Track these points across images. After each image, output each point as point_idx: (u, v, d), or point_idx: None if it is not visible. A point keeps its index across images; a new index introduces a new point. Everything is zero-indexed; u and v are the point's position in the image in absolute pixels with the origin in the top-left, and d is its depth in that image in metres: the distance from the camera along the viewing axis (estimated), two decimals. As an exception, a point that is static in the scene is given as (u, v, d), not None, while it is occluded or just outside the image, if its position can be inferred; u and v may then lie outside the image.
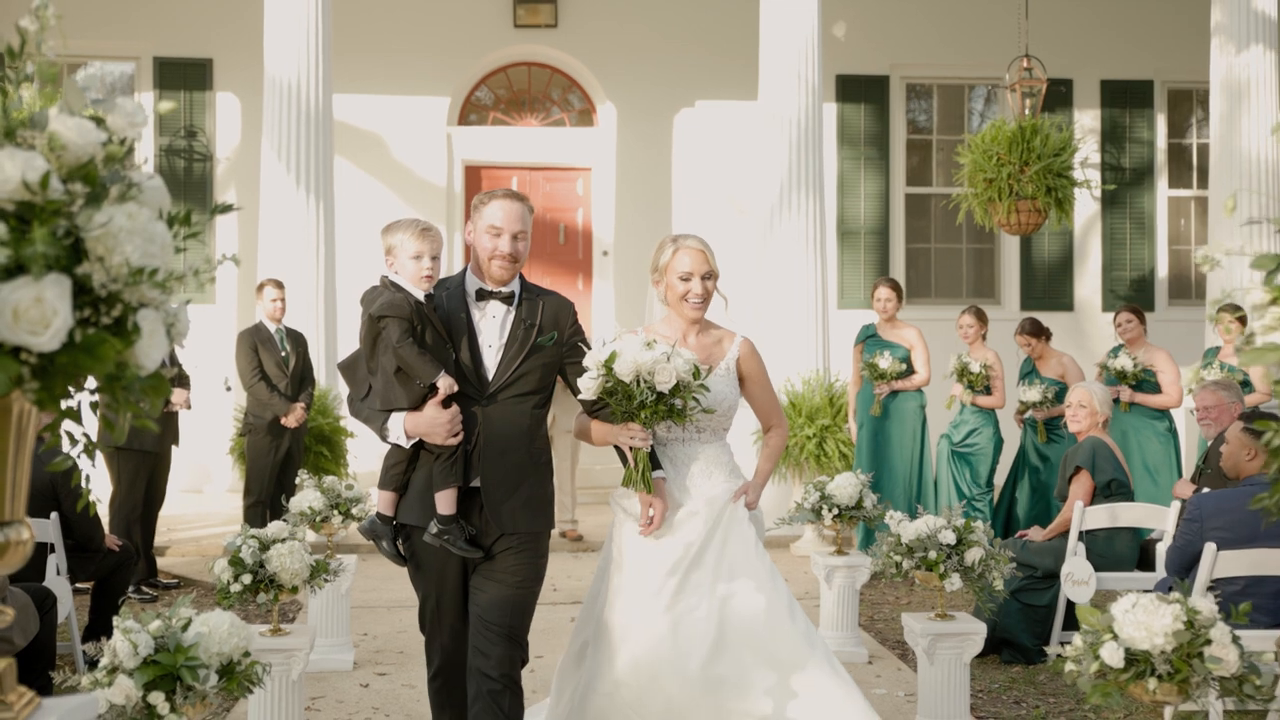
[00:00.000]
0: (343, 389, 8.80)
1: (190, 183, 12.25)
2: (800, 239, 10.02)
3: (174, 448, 7.85)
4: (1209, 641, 3.20)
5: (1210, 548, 4.94)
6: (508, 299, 3.97)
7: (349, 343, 8.79)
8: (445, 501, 3.86)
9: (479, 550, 3.88)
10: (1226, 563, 4.94)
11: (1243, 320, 7.81)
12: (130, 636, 2.99)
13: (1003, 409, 9.27)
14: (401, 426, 3.85)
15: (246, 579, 4.36)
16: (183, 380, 7.87)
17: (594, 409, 4.05)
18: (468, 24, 12.77)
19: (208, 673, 3.04)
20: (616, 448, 4.06)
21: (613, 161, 13.06)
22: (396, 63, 12.61)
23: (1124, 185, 13.34)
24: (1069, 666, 3.37)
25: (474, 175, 12.95)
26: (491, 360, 3.93)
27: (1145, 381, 8.61)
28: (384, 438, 3.92)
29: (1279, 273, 2.39)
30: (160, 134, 12.25)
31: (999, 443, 9.20)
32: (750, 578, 3.99)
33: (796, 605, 4.02)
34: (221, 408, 9.87)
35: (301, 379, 8.18)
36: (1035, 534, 6.61)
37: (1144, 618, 3.25)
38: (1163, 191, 13.62)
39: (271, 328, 8.22)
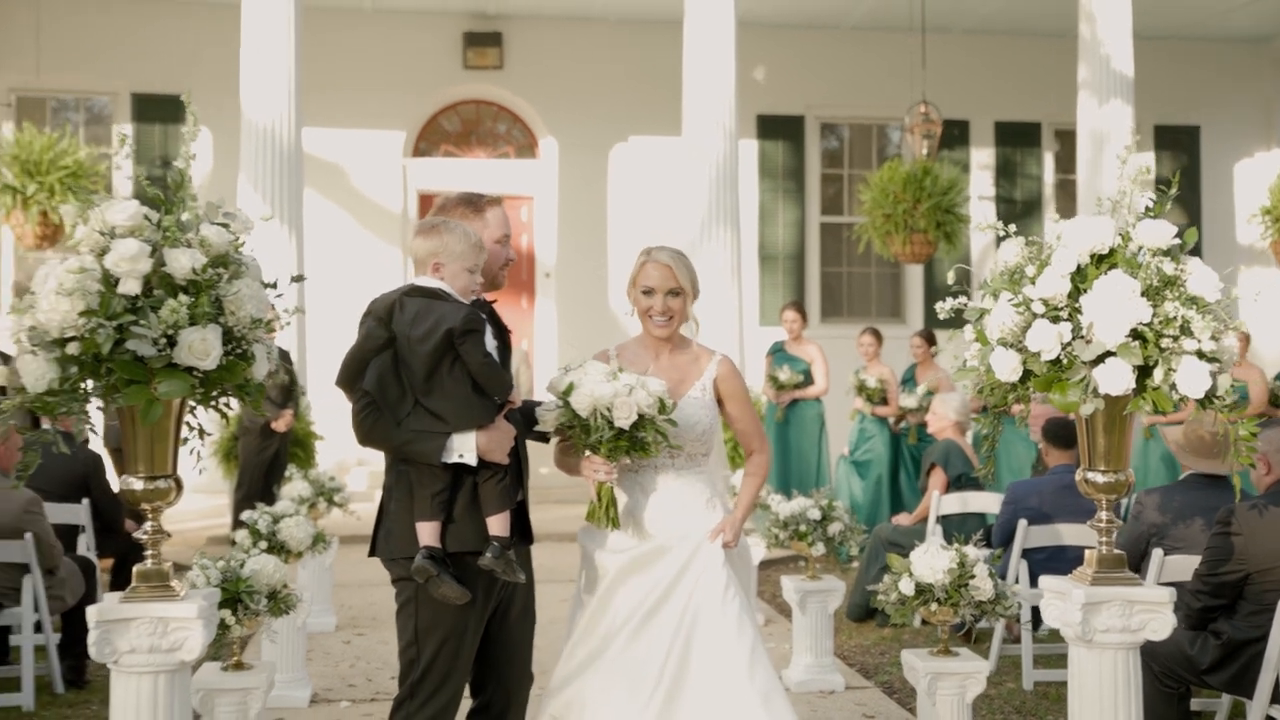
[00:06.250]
0: (322, 398, 9.96)
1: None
2: (720, 266, 11.27)
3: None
4: (973, 575, 4.51)
5: (1022, 523, 6.29)
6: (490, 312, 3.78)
7: (320, 357, 9.97)
8: (503, 524, 3.64)
9: (522, 575, 3.70)
10: (1035, 536, 6.29)
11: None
12: (205, 571, 4.18)
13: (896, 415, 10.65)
14: (473, 446, 3.56)
15: (263, 545, 5.53)
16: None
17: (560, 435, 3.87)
18: (422, 65, 13.98)
19: (259, 597, 4.24)
20: None
21: (554, 191, 14.32)
22: (357, 99, 13.78)
23: (1015, 217, 14.79)
24: (879, 597, 4.67)
25: (427, 203, 14.12)
26: None
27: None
28: (437, 460, 3.56)
29: (982, 321, 3.68)
30: (138, 164, 13.31)
31: (894, 447, 10.56)
32: (713, 632, 3.74)
33: (761, 656, 3.78)
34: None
35: (288, 389, 9.35)
36: (903, 519, 7.94)
37: (930, 560, 4.56)
38: (1050, 223, 15.10)
39: (266, 344, 9.44)
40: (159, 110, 13.56)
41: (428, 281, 3.65)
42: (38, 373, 2.92)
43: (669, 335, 3.99)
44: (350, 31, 13.76)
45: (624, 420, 3.61)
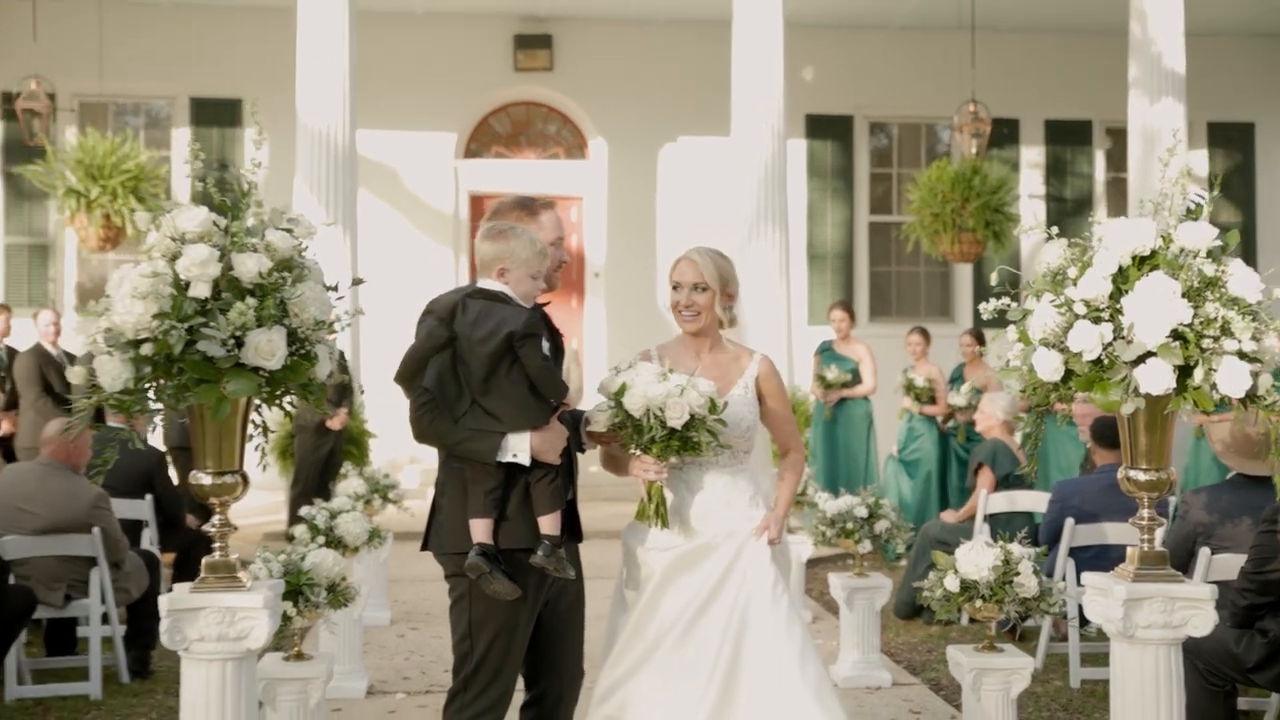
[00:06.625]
0: (375, 397, 10.14)
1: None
2: (768, 265, 11.32)
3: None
4: (1018, 573, 4.56)
5: (1069, 522, 6.32)
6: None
7: (373, 357, 10.15)
8: (554, 523, 3.74)
9: (572, 572, 3.84)
10: (1081, 534, 6.32)
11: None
12: (268, 564, 4.32)
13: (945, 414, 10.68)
14: (527, 446, 3.67)
15: (321, 539, 5.68)
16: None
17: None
18: (473, 68, 14.15)
19: (320, 589, 4.38)
20: None
21: (603, 191, 14.44)
22: (409, 102, 13.97)
23: (1066, 216, 14.73)
24: (925, 593, 4.73)
25: (478, 204, 14.30)
26: None
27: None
28: (491, 459, 3.68)
29: (1025, 321, 3.74)
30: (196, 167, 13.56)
31: (942, 446, 10.59)
32: (763, 628, 3.80)
33: (810, 651, 3.84)
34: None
35: (343, 388, 9.55)
36: (949, 516, 7.98)
37: (975, 557, 4.62)
38: (1104, 221, 15.00)
39: (320, 344, 9.68)
40: (216, 114, 13.83)
41: (491, 285, 3.74)
42: (114, 372, 3.06)
43: (696, 330, 4.07)
44: (402, 35, 13.95)
45: (676, 420, 3.70)
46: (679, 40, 14.28)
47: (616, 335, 13.94)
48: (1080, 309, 3.44)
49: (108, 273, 13.75)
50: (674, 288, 4.06)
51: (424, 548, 3.94)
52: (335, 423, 9.40)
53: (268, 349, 3.15)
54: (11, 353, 10.25)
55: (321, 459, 9.38)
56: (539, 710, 4.01)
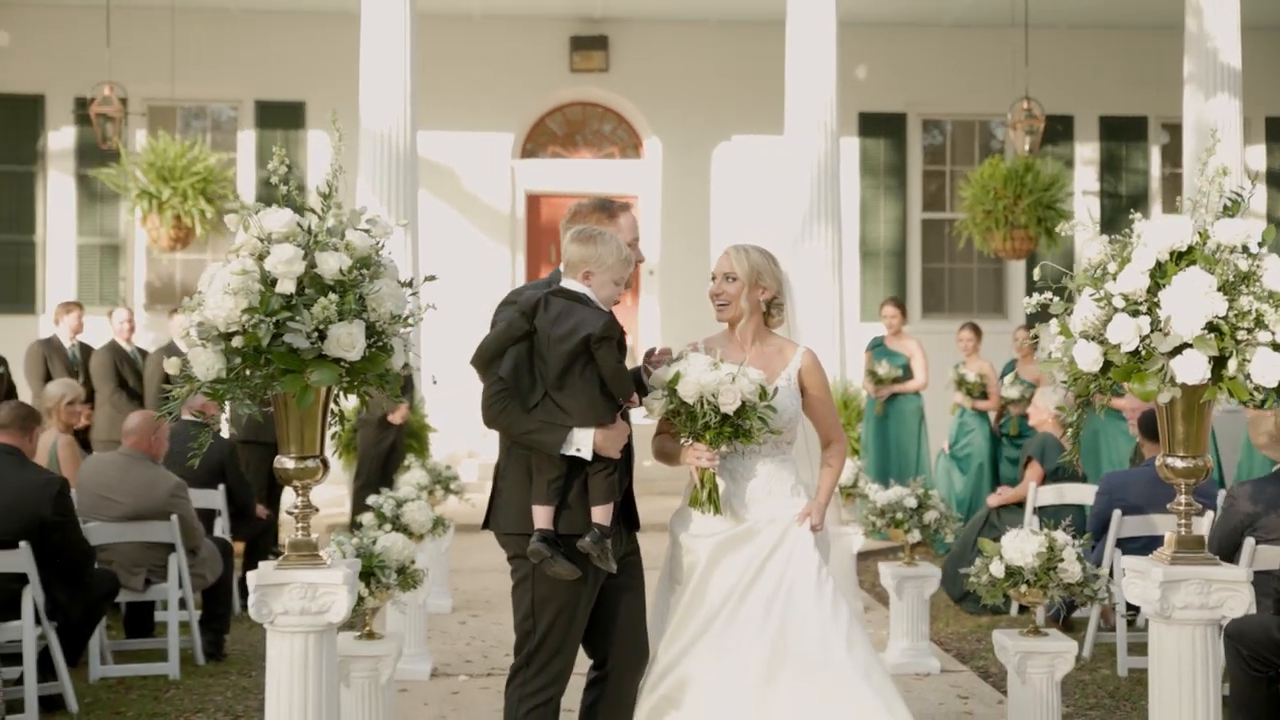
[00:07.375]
0: (435, 392, 10.41)
1: (285, 210, 13.94)
2: (821, 263, 11.45)
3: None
4: (1062, 559, 4.70)
5: (1116, 513, 6.42)
6: None
7: (433, 353, 10.40)
8: (605, 513, 3.91)
9: (614, 565, 3.97)
10: (1128, 526, 6.42)
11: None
12: (342, 547, 4.56)
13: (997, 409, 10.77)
14: (590, 441, 3.85)
15: (387, 528, 5.92)
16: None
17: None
18: (530, 69, 14.40)
19: (390, 571, 4.61)
20: None
21: (658, 190, 14.64)
22: (467, 103, 14.24)
23: (1120, 212, 14.70)
24: (971, 579, 4.88)
25: (534, 203, 14.57)
26: None
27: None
28: (556, 451, 3.85)
29: (1067, 315, 3.88)
30: (260, 167, 13.93)
31: (993, 441, 10.67)
32: (808, 611, 3.94)
33: (858, 633, 3.98)
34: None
35: (404, 384, 9.83)
36: (994, 499, 8.10)
37: (1020, 544, 4.76)
38: (1157, 217, 14.95)
39: (382, 340, 9.98)
40: (279, 117, 14.18)
41: (574, 285, 3.92)
42: (207, 363, 3.30)
43: (727, 319, 4.22)
44: (460, 37, 14.21)
45: (729, 406, 3.83)
46: (732, 40, 14.45)
47: (670, 332, 14.10)
48: (1119, 303, 3.57)
49: (176, 272, 14.20)
50: (712, 278, 4.24)
51: (485, 526, 4.15)
52: (396, 417, 9.67)
53: (348, 341, 3.36)
54: (85, 349, 10.63)
55: (383, 452, 9.66)
56: (604, 687, 4.18)
